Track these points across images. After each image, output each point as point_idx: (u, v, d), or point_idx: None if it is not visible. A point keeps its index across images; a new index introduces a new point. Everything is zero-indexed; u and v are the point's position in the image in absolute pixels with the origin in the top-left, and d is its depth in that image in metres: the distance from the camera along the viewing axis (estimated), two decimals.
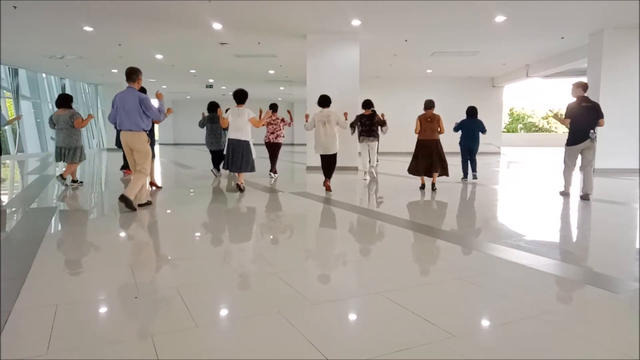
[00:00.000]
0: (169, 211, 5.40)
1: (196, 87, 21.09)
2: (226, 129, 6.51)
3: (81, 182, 7.26)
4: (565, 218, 5.06)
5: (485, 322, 2.15)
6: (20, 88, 16.23)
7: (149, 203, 5.22)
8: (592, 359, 1.75)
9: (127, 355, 1.76)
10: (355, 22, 9.23)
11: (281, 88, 21.48)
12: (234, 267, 3.03)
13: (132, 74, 4.96)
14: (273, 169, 8.65)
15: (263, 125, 8.35)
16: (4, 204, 5.74)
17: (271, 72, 16.24)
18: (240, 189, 6.47)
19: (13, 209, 5.30)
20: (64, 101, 6.82)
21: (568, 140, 5.89)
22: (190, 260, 3.19)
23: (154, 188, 6.74)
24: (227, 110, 6.60)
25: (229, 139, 6.35)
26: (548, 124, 43.10)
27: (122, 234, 4.17)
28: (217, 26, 9.49)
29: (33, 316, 2.14)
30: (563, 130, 40.77)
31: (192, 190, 7.17)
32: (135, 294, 2.44)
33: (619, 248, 3.72)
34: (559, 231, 4.44)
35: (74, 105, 7.10)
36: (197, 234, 4.18)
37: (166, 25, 9.59)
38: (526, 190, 7.41)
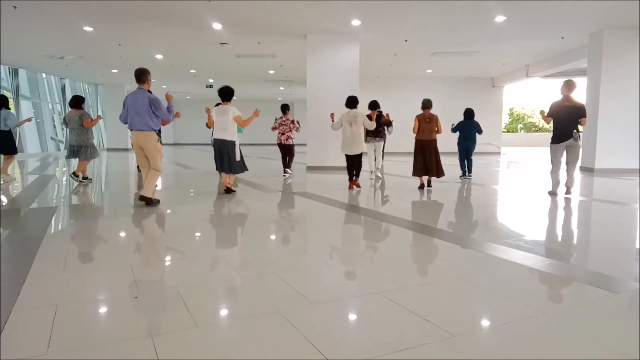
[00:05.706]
0: (169, 211, 5.40)
1: (196, 87, 21.09)
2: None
3: (90, 179, 7.78)
4: (566, 218, 5.06)
5: (485, 322, 2.15)
6: (20, 88, 16.23)
7: (157, 201, 5.44)
8: (592, 359, 1.75)
9: (127, 355, 1.76)
10: (355, 22, 9.23)
11: (281, 88, 21.49)
12: (234, 266, 3.02)
13: (142, 76, 5.17)
14: (289, 166, 8.96)
15: (273, 127, 8.75)
16: (4, 204, 5.74)
17: (271, 72, 16.24)
18: (231, 190, 6.25)
19: (13, 209, 5.30)
20: (76, 102, 7.47)
21: (552, 138, 6.06)
22: (190, 260, 3.19)
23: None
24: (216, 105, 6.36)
25: (214, 139, 6.12)
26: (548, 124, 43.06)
27: (122, 234, 4.16)
28: (217, 26, 9.49)
29: (33, 316, 2.13)
30: None
31: (192, 190, 7.17)
32: (135, 294, 2.44)
33: (619, 248, 3.72)
34: (559, 231, 4.44)
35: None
36: (197, 234, 4.17)
37: (166, 25, 9.59)
38: (526, 190, 7.41)
